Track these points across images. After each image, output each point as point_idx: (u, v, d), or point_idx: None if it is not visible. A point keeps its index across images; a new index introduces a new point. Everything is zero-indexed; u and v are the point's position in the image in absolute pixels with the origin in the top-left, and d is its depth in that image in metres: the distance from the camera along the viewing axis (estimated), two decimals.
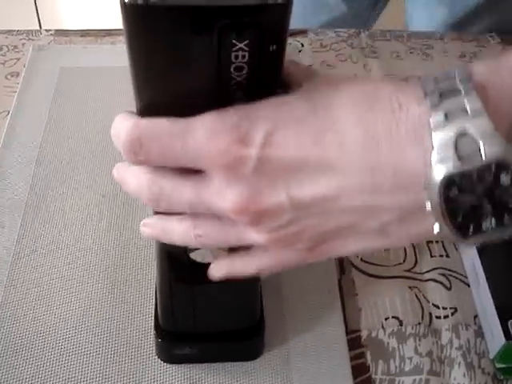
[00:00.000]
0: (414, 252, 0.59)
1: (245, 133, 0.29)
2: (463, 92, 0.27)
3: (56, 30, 0.81)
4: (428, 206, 0.28)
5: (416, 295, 0.56)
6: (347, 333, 0.53)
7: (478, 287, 0.55)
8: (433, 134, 0.27)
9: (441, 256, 0.59)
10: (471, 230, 0.27)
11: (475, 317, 0.54)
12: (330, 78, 0.33)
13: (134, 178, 0.34)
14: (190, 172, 0.32)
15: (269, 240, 0.33)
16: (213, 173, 0.31)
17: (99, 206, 0.60)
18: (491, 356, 0.52)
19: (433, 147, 0.27)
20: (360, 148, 0.28)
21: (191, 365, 0.50)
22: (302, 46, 0.81)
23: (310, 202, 0.30)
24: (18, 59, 0.77)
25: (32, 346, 0.50)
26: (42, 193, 0.61)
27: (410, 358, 0.52)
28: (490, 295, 0.52)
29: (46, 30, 0.81)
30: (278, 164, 0.30)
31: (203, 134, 0.30)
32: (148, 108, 0.33)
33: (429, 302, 0.55)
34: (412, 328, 0.54)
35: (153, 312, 0.50)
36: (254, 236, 0.33)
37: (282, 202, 0.30)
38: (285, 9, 0.29)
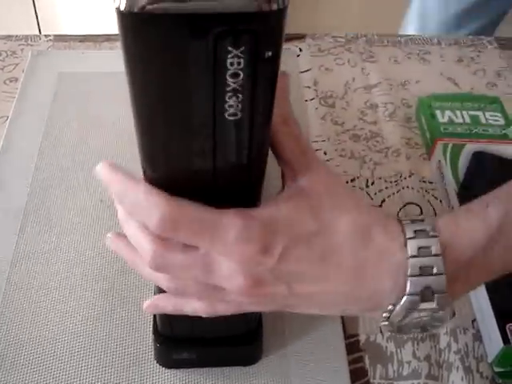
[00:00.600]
0: None
1: (267, 245, 0.35)
2: (433, 252, 0.36)
3: (55, 36, 0.82)
4: (385, 317, 0.38)
5: None
6: (345, 337, 0.53)
7: (476, 291, 0.55)
8: (408, 280, 0.36)
9: None
10: (404, 332, 0.40)
11: (473, 321, 0.55)
12: (329, 183, 0.39)
13: (145, 240, 0.36)
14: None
15: (251, 303, 0.38)
16: (228, 262, 0.36)
17: (97, 211, 0.60)
18: (489, 360, 0.52)
19: (405, 290, 0.36)
20: (352, 272, 0.37)
21: (189, 369, 0.50)
22: (301, 50, 0.82)
23: (305, 295, 0.38)
24: (17, 64, 0.77)
25: (30, 352, 0.50)
26: (40, 198, 0.61)
27: (409, 363, 0.52)
28: (488, 299, 0.53)
29: (45, 36, 0.82)
30: (288, 271, 0.36)
31: (232, 238, 0.34)
32: (145, 114, 0.33)
33: None
34: None
35: (151, 317, 0.50)
36: (238, 299, 0.38)
37: (281, 291, 0.37)
38: (280, 15, 0.29)
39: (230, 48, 0.29)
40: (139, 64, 0.30)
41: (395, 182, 0.66)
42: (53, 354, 0.50)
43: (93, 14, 1.71)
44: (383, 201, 0.64)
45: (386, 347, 0.53)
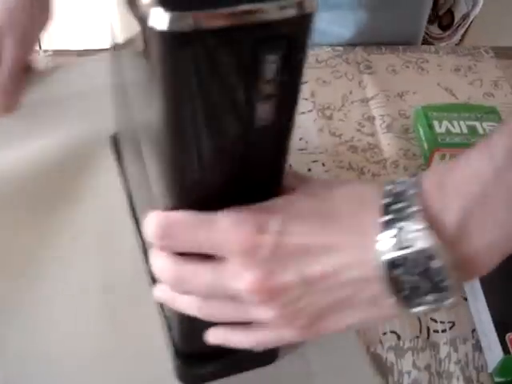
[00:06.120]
0: None
1: (262, 223, 0.35)
2: (410, 216, 0.33)
3: (54, 51, 0.82)
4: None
5: None
6: None
7: (476, 301, 0.55)
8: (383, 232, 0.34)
9: None
10: (415, 303, 0.34)
11: (473, 331, 0.55)
12: (324, 182, 0.40)
13: (159, 260, 0.38)
14: (208, 258, 0.37)
15: (274, 317, 0.37)
16: (231, 258, 0.36)
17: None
18: (490, 370, 0.52)
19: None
20: (355, 235, 0.35)
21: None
22: None
23: (317, 279, 0.36)
24: None
25: None
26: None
27: (409, 373, 0.52)
28: (487, 309, 0.53)
29: (44, 51, 0.82)
30: (290, 248, 0.35)
31: (226, 224, 0.35)
32: (178, 128, 0.33)
33: (426, 315, 0.56)
34: (410, 342, 0.54)
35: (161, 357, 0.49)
36: (261, 313, 0.37)
37: (293, 280, 0.35)
38: (311, 20, 0.30)
39: (267, 55, 0.30)
40: (177, 81, 0.30)
41: None
42: None
43: (94, 28, 1.72)
44: None
45: (386, 358, 0.53)
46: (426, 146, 0.70)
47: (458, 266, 0.33)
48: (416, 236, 0.33)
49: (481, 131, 0.70)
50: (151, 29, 0.28)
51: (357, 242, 0.35)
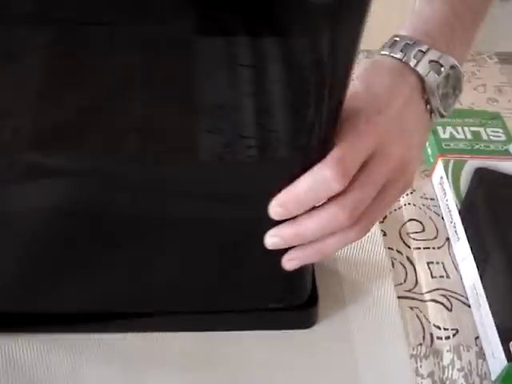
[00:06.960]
0: (415, 272, 0.59)
1: (377, 111, 0.43)
2: (430, 53, 0.46)
3: None
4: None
5: (417, 316, 0.56)
6: None
7: (479, 308, 0.55)
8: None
9: (441, 277, 0.59)
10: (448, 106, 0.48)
11: (476, 338, 0.54)
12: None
13: (316, 218, 0.43)
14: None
15: (410, 177, 0.47)
16: (380, 148, 0.43)
17: None
18: (493, 378, 0.52)
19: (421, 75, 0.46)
20: (405, 86, 0.45)
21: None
22: None
23: (414, 127, 0.46)
24: None
25: None
26: None
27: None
28: (491, 316, 0.52)
29: None
30: (392, 124, 0.44)
31: (365, 126, 0.42)
32: None
33: (430, 322, 0.56)
34: (413, 349, 0.53)
35: None
36: (408, 177, 0.46)
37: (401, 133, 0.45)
38: None
39: None
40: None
41: None
42: None
43: None
44: (385, 217, 0.64)
45: None
46: (430, 151, 0.70)
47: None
48: (442, 61, 0.46)
49: (485, 137, 0.70)
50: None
51: (409, 87, 0.45)
